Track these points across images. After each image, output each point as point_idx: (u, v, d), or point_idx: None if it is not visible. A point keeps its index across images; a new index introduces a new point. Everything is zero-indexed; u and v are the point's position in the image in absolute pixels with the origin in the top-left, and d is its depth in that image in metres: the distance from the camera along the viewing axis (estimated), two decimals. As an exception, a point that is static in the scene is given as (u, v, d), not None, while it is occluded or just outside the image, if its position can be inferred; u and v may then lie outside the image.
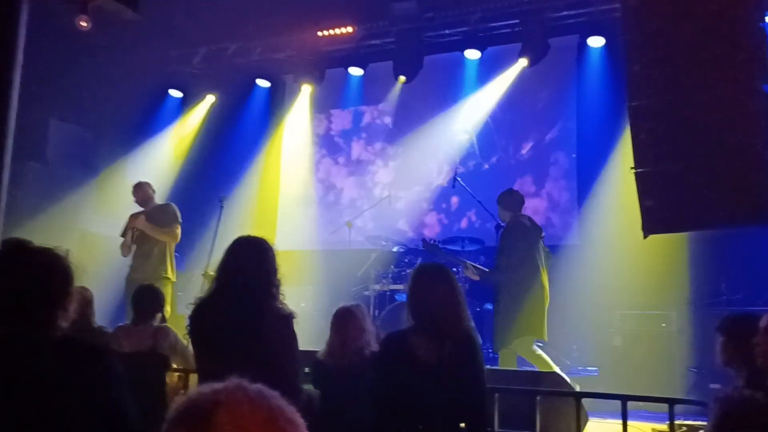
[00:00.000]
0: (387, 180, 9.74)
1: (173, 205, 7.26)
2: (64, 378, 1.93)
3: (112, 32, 8.07)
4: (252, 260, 3.22)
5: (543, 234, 6.61)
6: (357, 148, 10.11)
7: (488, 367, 6.76)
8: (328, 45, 9.70)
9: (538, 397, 4.57)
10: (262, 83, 10.45)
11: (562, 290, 7.99)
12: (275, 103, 10.72)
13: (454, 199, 9.24)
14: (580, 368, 7.54)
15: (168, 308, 6.24)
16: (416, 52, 9.15)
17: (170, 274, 6.98)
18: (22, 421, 1.87)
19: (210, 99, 10.30)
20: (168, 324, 4.78)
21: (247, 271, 3.19)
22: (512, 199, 6.63)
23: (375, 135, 10.03)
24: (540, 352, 6.11)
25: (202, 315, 3.25)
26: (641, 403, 5.55)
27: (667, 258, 7.30)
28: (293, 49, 9.86)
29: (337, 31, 9.40)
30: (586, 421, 4.93)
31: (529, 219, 6.64)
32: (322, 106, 10.42)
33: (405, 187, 9.57)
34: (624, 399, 4.27)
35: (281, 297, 3.22)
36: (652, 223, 4.94)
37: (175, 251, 7.84)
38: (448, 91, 9.61)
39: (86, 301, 4.59)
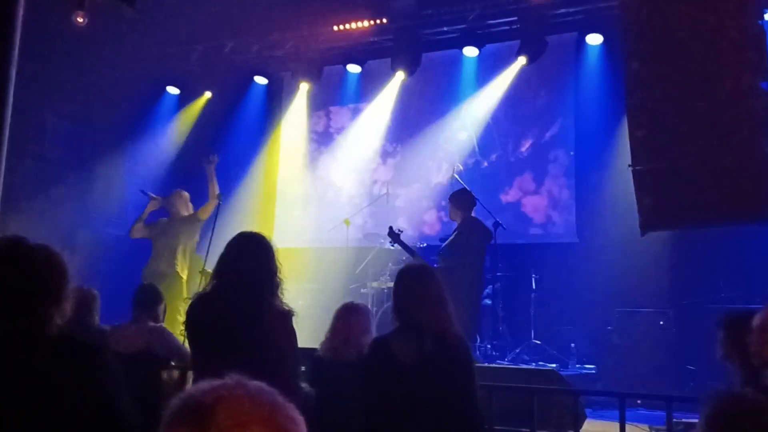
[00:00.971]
0: (386, 177, 9.73)
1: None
2: (59, 376, 1.92)
3: (109, 29, 8.06)
4: (253, 257, 3.21)
5: (492, 240, 6.81)
6: (355, 145, 10.09)
7: (486, 365, 6.81)
8: (327, 42, 9.68)
9: (535, 395, 4.57)
10: (260, 80, 10.43)
11: (561, 288, 8.01)
12: (273, 100, 10.71)
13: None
14: (577, 366, 7.55)
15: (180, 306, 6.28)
16: (414, 50, 9.14)
17: (182, 271, 7.02)
18: (18, 419, 1.86)
19: (207, 96, 10.28)
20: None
21: (248, 268, 3.18)
22: (465, 200, 6.76)
23: (374, 132, 10.01)
24: None
25: (200, 311, 3.23)
26: (639, 401, 5.56)
27: (665, 255, 7.31)
28: (291, 47, 9.84)
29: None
30: (584, 419, 4.93)
31: (480, 222, 6.79)
32: (320, 104, 10.41)
33: (404, 184, 9.57)
34: (621, 396, 4.27)
35: (282, 295, 3.21)
36: (650, 221, 4.94)
37: None
38: (446, 89, 9.60)
39: (85, 300, 4.58)
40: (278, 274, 3.21)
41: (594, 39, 8.68)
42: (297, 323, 3.24)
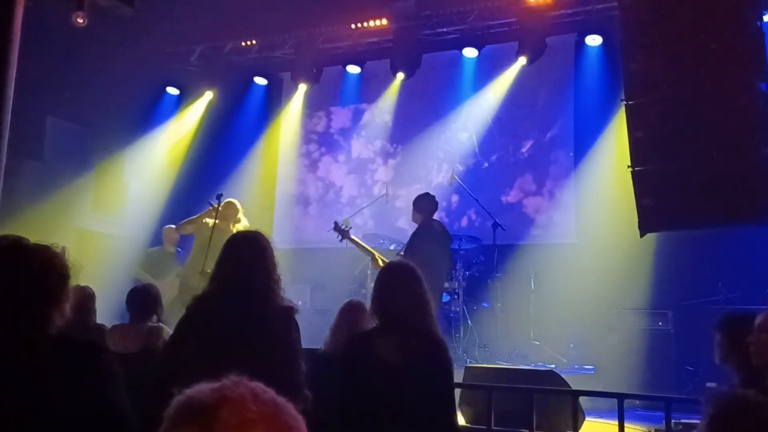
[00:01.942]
0: (386, 178, 9.74)
1: None
2: (59, 375, 1.93)
3: (109, 29, 8.07)
4: (251, 255, 3.20)
5: (451, 242, 6.84)
6: (356, 146, 10.10)
7: (485, 365, 6.81)
8: (326, 42, 9.69)
9: (534, 396, 4.57)
10: (260, 81, 10.44)
11: (559, 288, 8.01)
12: (273, 100, 10.71)
13: (454, 198, 9.24)
14: (576, 366, 7.55)
15: None
16: (414, 51, 9.14)
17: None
18: (18, 419, 1.86)
19: (207, 96, 10.29)
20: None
21: (246, 267, 3.17)
22: (427, 203, 6.79)
23: (374, 133, 10.02)
24: None
25: (200, 312, 3.22)
26: (638, 402, 5.56)
27: (663, 256, 7.31)
28: (290, 47, 9.85)
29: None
30: (583, 419, 4.93)
31: (440, 224, 6.75)
32: (320, 104, 10.41)
33: (404, 185, 9.57)
34: (621, 397, 4.27)
35: (282, 293, 3.21)
36: (649, 222, 4.95)
37: (178, 246, 7.85)
38: (446, 90, 9.61)
39: (85, 299, 4.58)
40: (277, 271, 3.20)
41: (593, 40, 8.69)
42: (297, 321, 3.23)
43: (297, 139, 10.53)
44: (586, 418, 5.10)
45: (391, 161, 9.85)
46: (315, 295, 8.87)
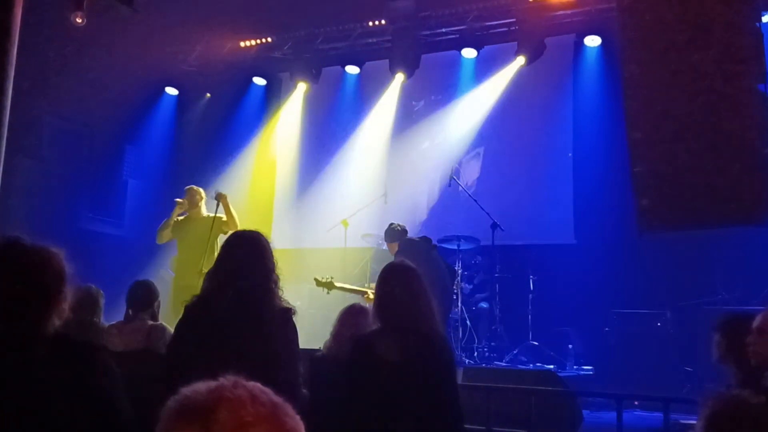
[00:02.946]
0: (384, 178, 9.73)
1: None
2: (56, 375, 1.92)
3: (108, 29, 8.06)
4: (250, 256, 3.19)
5: (435, 246, 6.83)
6: (354, 146, 10.09)
7: (484, 366, 6.81)
8: (325, 43, 9.69)
9: (533, 396, 4.58)
10: (259, 81, 10.43)
11: (558, 289, 8.02)
12: (271, 101, 10.71)
13: (451, 198, 9.23)
14: (575, 367, 7.56)
15: None
16: (413, 51, 9.15)
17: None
18: (16, 419, 1.86)
19: (206, 96, 10.28)
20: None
21: (244, 267, 3.17)
22: (393, 232, 6.82)
23: (372, 133, 10.01)
24: None
25: (198, 313, 3.21)
26: (636, 402, 5.57)
27: (662, 257, 7.32)
28: (289, 48, 9.85)
29: (370, 23, 9.25)
30: (581, 419, 4.94)
31: (413, 241, 6.76)
32: (318, 104, 10.40)
33: (402, 185, 9.56)
34: (619, 398, 4.28)
35: (280, 292, 3.20)
36: (647, 222, 4.95)
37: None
38: (445, 90, 9.61)
39: (88, 300, 4.56)
40: (275, 271, 3.20)
41: (592, 41, 8.70)
42: (296, 323, 3.23)
43: (296, 138, 10.52)
44: (585, 419, 5.11)
45: (389, 161, 9.84)
46: (313, 296, 8.86)
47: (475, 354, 7.57)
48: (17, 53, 4.14)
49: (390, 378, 3.03)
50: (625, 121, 5.10)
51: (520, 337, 7.90)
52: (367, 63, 9.90)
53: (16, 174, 8.03)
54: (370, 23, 9.34)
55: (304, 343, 3.27)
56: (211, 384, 1.08)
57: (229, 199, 6.79)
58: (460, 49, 9.24)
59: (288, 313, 3.15)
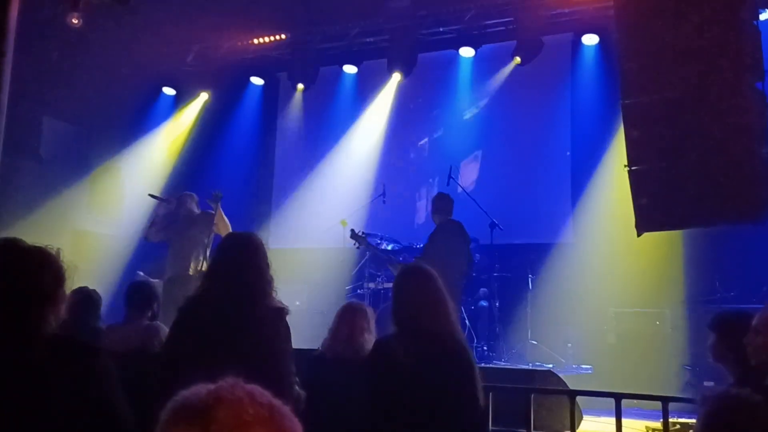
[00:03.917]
0: (382, 177, 9.72)
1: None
2: (54, 376, 1.92)
3: (105, 29, 8.05)
4: (244, 256, 3.20)
5: (470, 243, 6.81)
6: (352, 146, 10.08)
7: (483, 365, 6.80)
8: (323, 42, 9.68)
9: (532, 395, 4.58)
10: (256, 81, 10.43)
11: (557, 288, 8.02)
12: (269, 100, 10.70)
13: (451, 197, 9.22)
14: (574, 366, 7.56)
15: None
16: (410, 50, 9.14)
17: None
18: (13, 419, 1.86)
19: (203, 97, 10.27)
20: None
21: (238, 268, 3.17)
22: (442, 203, 6.77)
23: (370, 132, 10.01)
24: None
25: (193, 314, 3.21)
26: (635, 401, 5.56)
27: (661, 256, 7.32)
28: (287, 47, 9.84)
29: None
30: (581, 419, 4.94)
31: (458, 225, 6.74)
32: (316, 104, 10.40)
33: (401, 184, 9.56)
34: (618, 397, 4.28)
35: (274, 293, 3.21)
36: (645, 221, 4.96)
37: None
38: (442, 89, 9.61)
39: (86, 302, 4.56)
40: (269, 271, 3.20)
41: (590, 39, 8.70)
42: (293, 323, 3.23)
43: (294, 138, 10.52)
44: (584, 418, 5.11)
45: (387, 161, 9.84)
46: (312, 295, 8.86)
47: (474, 353, 7.56)
48: (14, 55, 4.13)
49: (407, 381, 3.02)
50: (622, 120, 5.11)
51: (519, 336, 7.91)
52: (364, 62, 9.89)
53: (15, 175, 8.02)
54: (368, 22, 9.34)
55: (302, 342, 3.27)
56: (211, 385, 1.08)
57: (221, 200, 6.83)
58: (457, 48, 9.24)
59: (281, 312, 3.16)
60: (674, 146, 4.79)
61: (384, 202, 8.96)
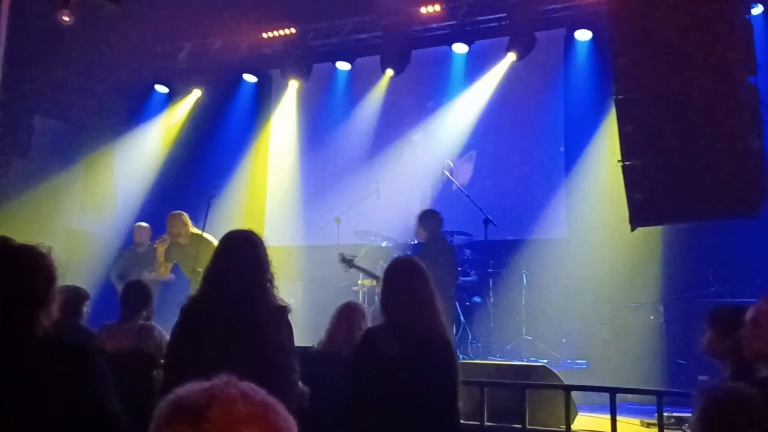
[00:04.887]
0: (376, 174, 9.71)
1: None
2: (47, 377, 1.91)
3: (97, 27, 8.01)
4: (244, 254, 3.19)
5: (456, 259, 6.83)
6: (346, 143, 10.07)
7: (478, 361, 6.81)
8: (315, 39, 9.65)
9: (527, 391, 4.58)
10: (249, 78, 10.39)
11: (551, 283, 8.03)
12: (262, 98, 10.67)
13: (445, 194, 9.23)
14: (569, 361, 7.57)
15: None
16: (403, 47, 9.13)
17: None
18: (7, 420, 1.84)
19: (196, 94, 10.23)
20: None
21: (238, 267, 3.16)
22: (433, 220, 6.75)
23: (364, 129, 9.99)
24: None
25: (194, 314, 3.20)
26: (630, 395, 5.58)
27: (655, 250, 7.34)
28: (280, 44, 9.81)
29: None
30: (576, 413, 4.94)
31: (444, 241, 6.77)
32: (310, 101, 10.38)
33: (395, 181, 9.55)
34: (613, 391, 4.29)
35: (275, 291, 3.20)
36: (639, 216, 4.96)
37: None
38: (436, 85, 9.60)
39: (73, 300, 4.55)
40: (270, 269, 3.19)
41: (583, 35, 8.69)
42: (290, 320, 3.23)
43: (288, 135, 10.49)
44: (579, 413, 5.11)
45: (380, 158, 9.82)
46: (307, 293, 8.85)
47: (469, 349, 7.57)
48: (5, 53, 4.10)
49: (388, 372, 3.06)
50: (616, 115, 5.11)
51: (514, 332, 7.91)
52: (358, 59, 9.87)
53: (5, 173, 7.98)
54: (361, 19, 9.31)
55: (297, 340, 3.27)
56: (204, 384, 1.08)
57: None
58: (450, 45, 9.23)
59: (283, 311, 3.16)
60: (668, 141, 4.80)
61: (378, 198, 8.95)
